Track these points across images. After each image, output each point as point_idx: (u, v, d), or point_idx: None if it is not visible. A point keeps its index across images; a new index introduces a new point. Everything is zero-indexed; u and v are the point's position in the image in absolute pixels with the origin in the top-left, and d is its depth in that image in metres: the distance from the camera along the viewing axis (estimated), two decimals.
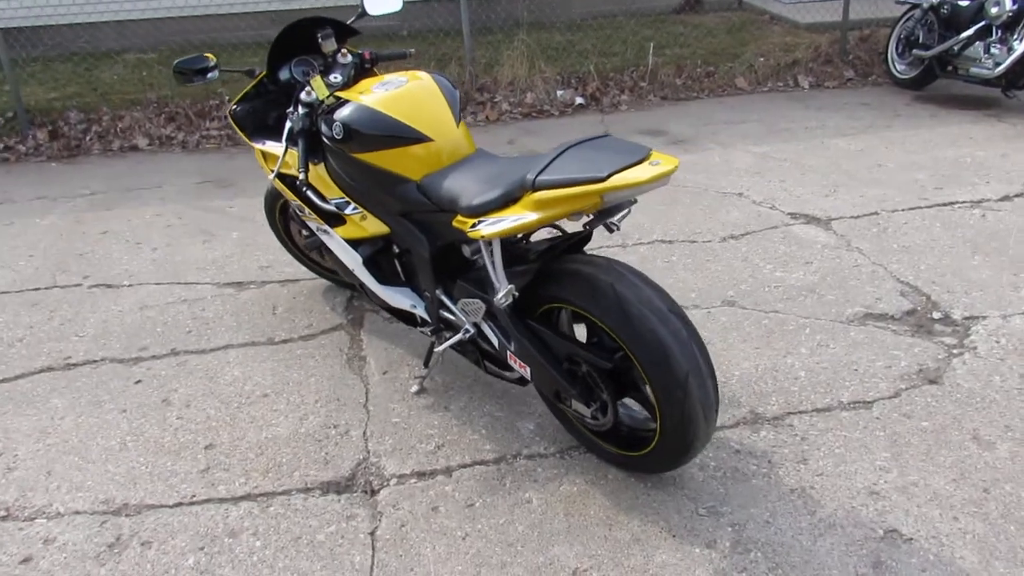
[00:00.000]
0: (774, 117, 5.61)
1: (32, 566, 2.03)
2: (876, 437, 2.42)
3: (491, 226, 2.00)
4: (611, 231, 2.32)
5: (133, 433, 2.54)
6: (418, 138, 2.29)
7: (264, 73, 2.73)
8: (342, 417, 2.59)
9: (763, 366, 2.78)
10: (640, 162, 1.85)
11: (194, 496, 2.26)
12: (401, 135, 2.28)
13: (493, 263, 2.12)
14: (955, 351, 2.83)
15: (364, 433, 2.52)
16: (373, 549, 2.07)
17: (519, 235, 2.22)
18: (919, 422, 2.48)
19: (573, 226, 2.11)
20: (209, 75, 2.59)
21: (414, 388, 2.69)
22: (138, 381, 2.81)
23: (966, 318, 3.03)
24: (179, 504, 2.24)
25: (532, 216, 1.94)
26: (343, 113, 2.35)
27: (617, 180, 1.81)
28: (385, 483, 2.31)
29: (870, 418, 2.50)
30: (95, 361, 2.94)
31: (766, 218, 3.95)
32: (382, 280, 2.61)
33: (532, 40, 6.34)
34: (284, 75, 2.73)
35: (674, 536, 2.08)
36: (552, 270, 2.14)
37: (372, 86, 2.46)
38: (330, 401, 2.67)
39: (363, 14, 2.85)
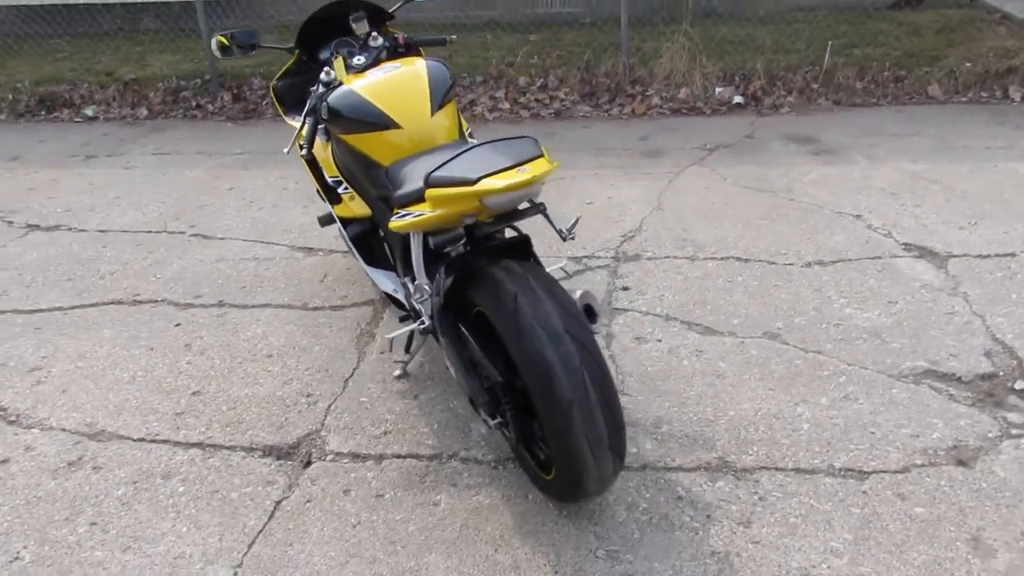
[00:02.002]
0: (955, 132, 4.88)
1: (5, 468, 2.34)
2: (848, 514, 2.08)
3: (398, 219, 1.97)
4: (563, 239, 2.19)
5: (145, 369, 2.82)
6: (387, 124, 2.30)
7: (297, 52, 2.85)
8: (320, 388, 2.69)
9: (765, 411, 2.48)
10: (518, 166, 1.73)
11: (157, 435, 2.48)
12: (374, 120, 2.30)
13: (414, 257, 2.09)
14: (1014, 431, 2.34)
15: (329, 407, 2.60)
16: (270, 517, 2.15)
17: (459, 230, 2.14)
18: (913, 507, 2.10)
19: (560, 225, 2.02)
20: (251, 51, 2.77)
21: (397, 372, 2.72)
22: (177, 324, 3.11)
23: None
24: (141, 439, 2.46)
25: (429, 213, 1.89)
26: (332, 95, 2.41)
27: (484, 184, 1.71)
28: (321, 457, 2.38)
29: (855, 491, 2.16)
30: (156, 301, 3.28)
31: (873, 246, 3.48)
32: (370, 261, 2.66)
33: (701, 33, 6.02)
34: (324, 54, 2.84)
35: (555, 572, 1.95)
36: (483, 272, 2.06)
37: (373, 71, 2.49)
38: (319, 371, 2.78)
39: (407, 0, 2.88)
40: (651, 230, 3.74)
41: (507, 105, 5.80)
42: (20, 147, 5.37)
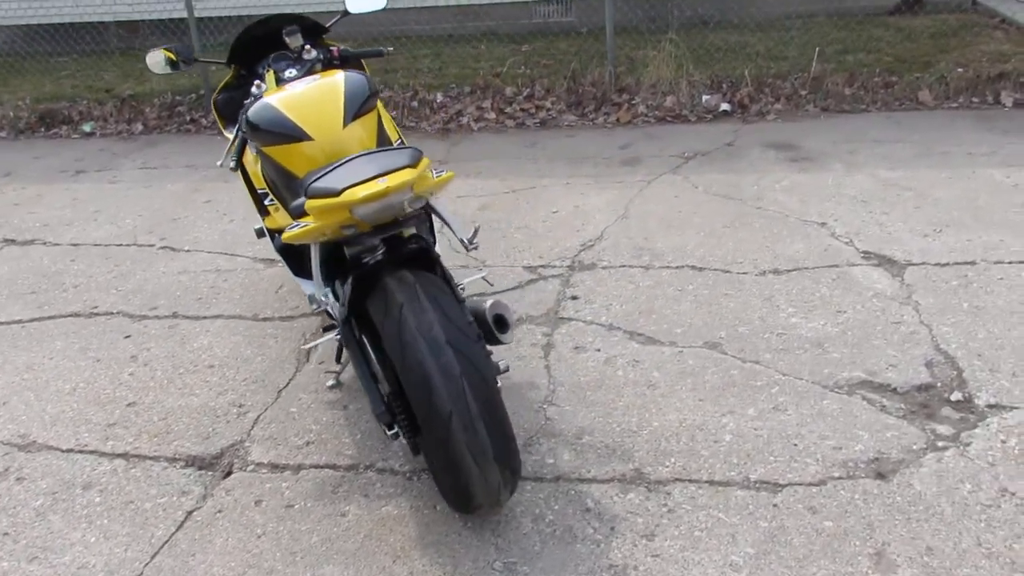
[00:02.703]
0: (939, 138, 4.78)
1: None
2: (755, 527, 2.05)
3: (288, 231, 1.99)
4: (467, 250, 2.20)
5: (87, 381, 2.87)
6: (300, 136, 2.31)
7: (235, 66, 2.89)
8: (254, 398, 2.72)
9: (690, 422, 2.45)
10: (383, 175, 1.73)
11: (85, 446, 2.52)
12: (288, 132, 2.32)
13: (313, 267, 2.11)
14: (940, 443, 2.29)
15: (259, 417, 2.62)
16: (179, 527, 2.17)
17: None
18: (822, 520, 2.05)
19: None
20: (189, 66, 2.82)
21: (329, 382, 2.73)
22: (128, 336, 3.16)
23: (990, 406, 2.43)
24: (70, 450, 2.50)
25: (311, 225, 1.90)
26: (251, 108, 2.44)
27: (345, 195, 1.72)
28: (242, 468, 2.40)
29: (766, 503, 2.12)
30: (112, 314, 3.34)
31: (832, 254, 3.42)
32: (298, 272, 2.68)
33: (690, 41, 5.99)
34: (262, 68, 2.87)
35: (452, 566, 1.94)
36: (378, 283, 2.06)
37: (292, 84, 2.52)
38: (256, 381, 2.81)
39: (345, 13, 2.92)
40: (612, 239, 3.72)
41: (493, 115, 5.82)
42: (15, 163, 5.51)
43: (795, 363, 2.70)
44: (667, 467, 2.28)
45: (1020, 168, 4.19)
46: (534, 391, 2.65)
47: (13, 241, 4.17)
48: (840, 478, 2.19)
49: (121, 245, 4.03)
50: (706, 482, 2.21)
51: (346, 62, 2.89)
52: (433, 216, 2.42)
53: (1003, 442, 2.27)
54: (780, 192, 4.11)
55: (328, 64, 2.84)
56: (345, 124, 2.35)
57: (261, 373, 2.85)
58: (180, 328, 3.20)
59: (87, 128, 6.13)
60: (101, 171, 5.24)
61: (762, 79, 5.81)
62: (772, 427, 2.40)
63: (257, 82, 2.67)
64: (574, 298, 3.23)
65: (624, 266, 3.46)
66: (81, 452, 2.49)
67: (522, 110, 5.84)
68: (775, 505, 2.11)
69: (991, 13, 6.78)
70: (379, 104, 2.89)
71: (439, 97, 6.02)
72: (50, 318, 3.34)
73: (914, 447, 2.28)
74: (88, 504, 2.27)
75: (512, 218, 4.04)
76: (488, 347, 2.11)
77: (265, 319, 3.23)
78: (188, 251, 3.92)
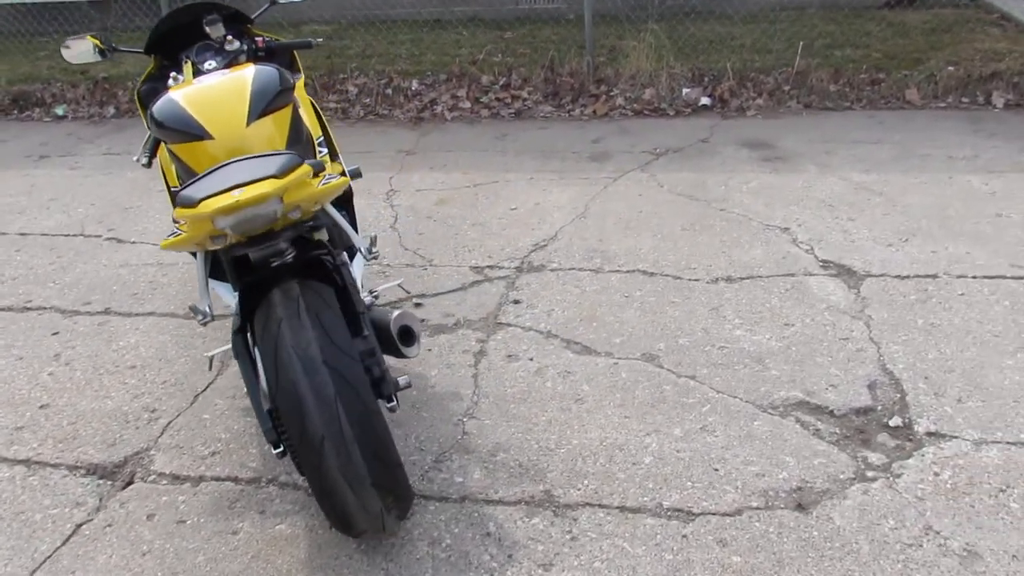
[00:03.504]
0: (921, 140, 4.62)
1: None
2: (658, 560, 1.94)
3: (165, 238, 1.88)
4: (365, 259, 2.09)
5: (5, 380, 2.79)
6: (201, 135, 2.20)
7: (156, 58, 2.78)
8: (168, 403, 2.63)
9: (611, 441, 2.35)
10: (245, 185, 1.62)
11: None
12: (189, 130, 2.21)
13: (197, 275, 2.01)
14: (870, 474, 2.17)
15: (169, 423, 2.53)
16: (65, 541, 2.09)
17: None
18: (730, 555, 1.95)
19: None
20: (110, 55, 2.71)
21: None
22: (56, 333, 3.08)
23: (929, 434, 2.31)
24: None
25: (183, 233, 1.79)
26: (156, 104, 2.33)
27: (201, 206, 1.61)
28: (143, 478, 2.31)
29: (675, 534, 2.02)
30: (44, 308, 3.26)
31: (790, 262, 3.29)
32: (214, 274, 2.58)
33: (675, 31, 5.83)
34: (182, 59, 2.76)
35: None
36: (267, 294, 1.95)
37: (201, 78, 2.40)
38: (174, 384, 2.72)
39: (273, 2, 2.80)
40: (565, 239, 3.60)
41: (468, 104, 5.69)
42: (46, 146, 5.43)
43: (732, 380, 2.59)
44: (579, 490, 2.17)
45: (1000, 174, 4.04)
46: (456, 402, 2.55)
47: None
48: (757, 508, 2.08)
49: (68, 235, 3.95)
50: (616, 508, 2.11)
51: (272, 53, 2.78)
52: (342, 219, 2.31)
53: (936, 475, 2.15)
54: (747, 194, 3.98)
55: (252, 55, 2.72)
56: (249, 122, 2.22)
57: (181, 376, 2.76)
58: (110, 325, 3.12)
59: (59, 111, 6.04)
60: (64, 156, 5.15)
61: (745, 73, 5.65)
62: (696, 449, 2.29)
63: (174, 74, 2.56)
64: (516, 302, 3.12)
65: (573, 269, 3.35)
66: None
67: (498, 99, 5.71)
68: (684, 536, 2.01)
69: (989, 8, 6.57)
70: (306, 98, 2.78)
71: (414, 84, 5.89)
72: None
73: (841, 476, 2.17)
74: None
75: (468, 214, 3.93)
76: (385, 363, 2.01)
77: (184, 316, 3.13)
78: (133, 243, 3.83)
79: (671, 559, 1.94)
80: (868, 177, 4.10)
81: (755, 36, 6.24)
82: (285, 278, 1.97)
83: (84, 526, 2.14)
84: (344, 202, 2.69)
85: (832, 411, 2.43)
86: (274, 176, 1.65)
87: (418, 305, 3.14)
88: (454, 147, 4.96)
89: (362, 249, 2.10)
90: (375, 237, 2.21)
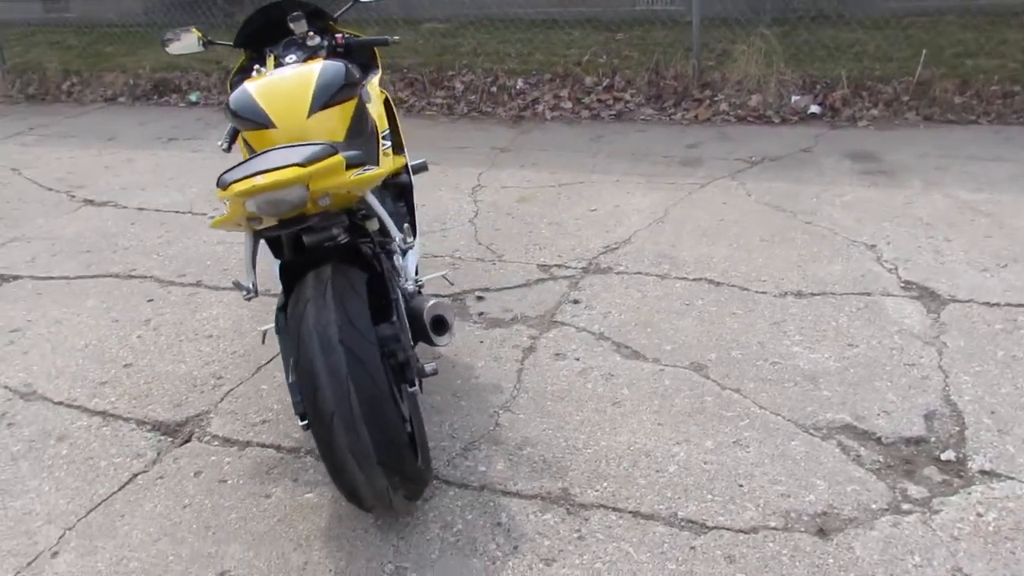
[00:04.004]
0: None
1: None
2: (660, 569, 1.93)
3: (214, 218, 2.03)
4: (402, 252, 2.17)
5: (100, 339, 3.07)
6: (266, 123, 2.35)
7: (245, 51, 2.97)
8: (233, 372, 2.83)
9: (639, 446, 2.34)
10: (274, 171, 1.73)
11: (74, 400, 2.71)
12: (257, 119, 2.37)
13: (244, 255, 2.15)
14: (905, 506, 2.07)
15: (231, 391, 2.72)
16: (121, 488, 2.30)
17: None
18: (735, 572, 1.91)
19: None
20: (206, 47, 2.93)
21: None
22: (150, 300, 3.36)
23: (983, 472, 2.17)
24: (60, 403, 2.70)
25: (226, 213, 1.94)
26: (233, 94, 2.50)
27: (230, 188, 1.73)
28: (198, 438, 2.50)
29: (684, 545, 2.00)
30: (145, 277, 3.56)
31: (869, 281, 3.15)
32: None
33: (791, 36, 5.64)
34: (267, 53, 2.95)
35: (345, 563, 1.95)
36: (304, 275, 2.07)
37: (274, 71, 2.57)
38: (241, 355, 2.92)
39: (355, 1, 2.94)
40: (638, 243, 3.58)
41: (569, 105, 5.72)
42: (120, 128, 5.95)
43: (778, 397, 2.51)
44: (596, 491, 2.18)
45: None
46: (496, 395, 2.61)
47: (91, 202, 4.52)
48: (775, 528, 2.02)
49: (178, 212, 4.28)
50: (630, 512, 2.10)
51: (351, 50, 2.92)
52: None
53: (979, 515, 2.02)
54: (839, 207, 3.82)
55: (331, 51, 2.88)
56: (310, 113, 2.36)
57: (250, 348, 2.95)
58: (198, 297, 3.37)
59: (193, 98, 6.52)
60: (190, 140, 5.56)
61: (861, 82, 5.40)
62: (724, 463, 2.25)
63: (257, 67, 2.74)
64: (575, 302, 3.14)
65: (639, 273, 3.33)
66: (68, 406, 2.67)
67: (599, 101, 5.71)
68: (693, 548, 1.98)
69: None
70: (380, 93, 2.91)
71: (519, 83, 5.97)
72: (93, 276, 3.60)
73: (872, 506, 2.07)
74: (55, 455, 2.44)
75: (547, 213, 3.97)
76: (411, 348, 2.10)
77: (276, 295, 3.33)
78: None
79: (674, 569, 1.92)
80: (977, 196, 3.84)
81: (878, 43, 5.93)
82: (324, 261, 2.09)
83: (139, 476, 2.34)
84: (402, 194, 2.80)
85: (879, 438, 2.31)
86: (298, 164, 1.75)
87: (480, 298, 3.22)
88: (548, 146, 5.00)
89: (397, 239, 2.18)
90: (408, 228, 2.27)
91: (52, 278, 3.60)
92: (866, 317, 2.90)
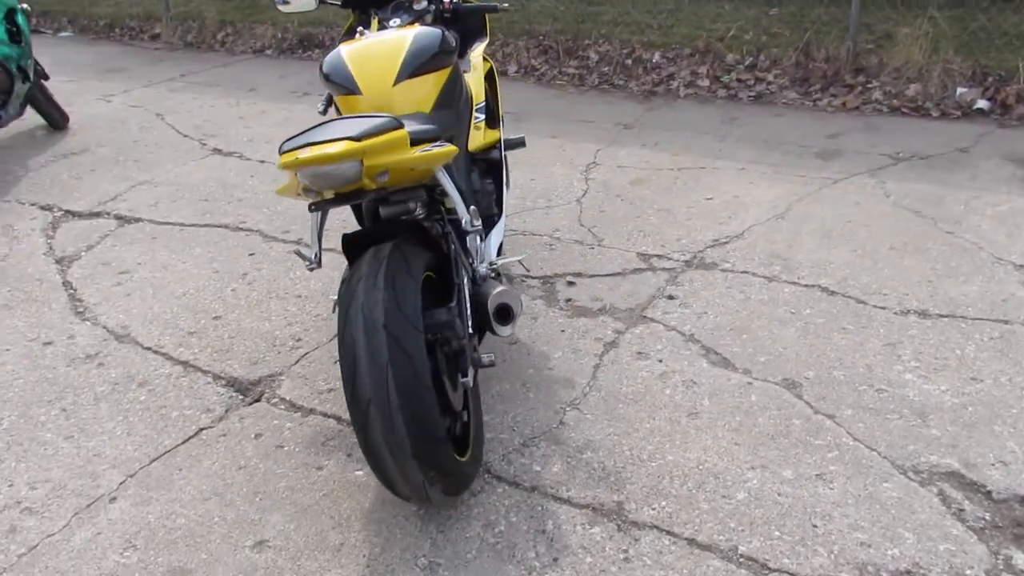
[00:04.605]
0: None
1: (44, 348, 2.81)
2: None
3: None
4: (467, 231, 2.07)
5: (197, 288, 3.17)
6: (352, 89, 2.30)
7: (354, 12, 2.93)
8: (313, 335, 2.84)
9: (709, 465, 2.15)
10: (327, 143, 1.66)
11: (161, 347, 2.80)
12: (344, 84, 2.32)
13: (311, 226, 2.11)
14: None
15: (307, 354, 2.73)
16: (185, 441, 2.35)
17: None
18: None
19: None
20: (316, 7, 2.92)
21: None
22: (252, 254, 3.44)
23: None
24: (148, 348, 2.80)
25: (286, 181, 1.89)
26: (327, 57, 2.46)
27: (285, 158, 1.67)
28: (267, 399, 2.53)
29: None
30: (251, 231, 3.65)
31: (1010, 307, 2.77)
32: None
33: (965, 20, 5.05)
34: (373, 15, 2.89)
35: (367, 566, 1.91)
36: (368, 252, 2.01)
37: (370, 34, 2.50)
38: (324, 319, 2.93)
39: None
40: (750, 239, 3.32)
41: (706, 83, 5.40)
42: (262, 80, 6.15)
43: (877, 429, 2.24)
44: (653, 509, 2.02)
45: None
46: (566, 390, 2.48)
47: (219, 151, 4.68)
48: None
49: None
50: (685, 539, 1.93)
51: (457, 15, 2.81)
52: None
53: None
54: (989, 218, 3.38)
55: (438, 16, 2.79)
56: (396, 82, 2.28)
57: (332, 313, 2.95)
58: (294, 256, 3.40)
59: None
60: (322, 95, 5.65)
61: None
62: (801, 497, 2.03)
63: (360, 28, 2.68)
64: (670, 298, 2.94)
65: (746, 272, 3.08)
66: (155, 352, 2.77)
67: (739, 80, 5.35)
68: None
69: None
70: (482, 63, 2.79)
71: (656, 57, 5.70)
72: (204, 225, 3.72)
73: (967, 571, 1.80)
74: (133, 400, 2.53)
75: (658, 198, 3.75)
76: (467, 336, 2.00)
77: None
78: None
79: None
80: None
81: None
82: (391, 236, 2.02)
83: (204, 431, 2.39)
84: (491, 170, 2.68)
85: (989, 492, 2.02)
86: (350, 138, 1.67)
87: (571, 284, 3.08)
88: (675, 126, 4.74)
89: (463, 221, 2.08)
90: (476, 211, 2.14)
91: (168, 223, 3.76)
92: (999, 349, 2.55)
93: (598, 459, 2.20)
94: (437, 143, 1.96)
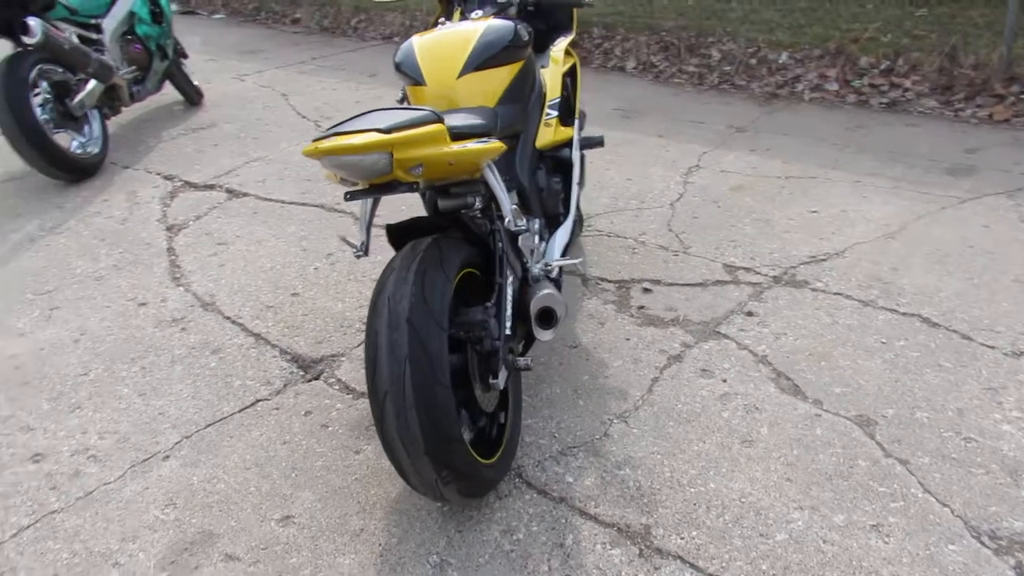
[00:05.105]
0: None
1: (139, 309, 2.99)
2: None
3: None
4: (510, 230, 2.02)
5: (283, 265, 3.28)
6: (418, 80, 2.30)
7: (440, 2, 2.92)
8: None
9: (752, 499, 2.02)
10: (357, 133, 1.65)
11: (240, 318, 2.92)
12: (411, 74, 2.32)
13: (359, 215, 2.12)
14: None
15: None
16: (242, 410, 2.44)
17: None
18: None
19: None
20: None
21: None
22: (341, 236, 3.52)
23: None
24: (228, 318, 2.92)
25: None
26: (400, 46, 2.47)
27: (309, 146, 1.67)
28: (325, 379, 2.58)
29: None
30: (345, 212, 3.74)
31: None
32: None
33: None
34: (456, 5, 2.88)
35: (380, 556, 1.92)
36: (408, 244, 2.00)
37: (446, 25, 2.49)
38: None
39: None
40: (851, 258, 3.09)
41: (835, 86, 5.08)
42: (384, 66, 6.29)
43: (956, 483, 2.02)
44: (681, 539, 1.91)
45: None
46: (618, 401, 2.39)
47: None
48: None
49: None
50: (709, 575, 1.81)
51: (541, 8, 2.76)
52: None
53: None
54: None
55: (522, 9, 2.74)
56: (461, 74, 2.26)
57: None
58: (380, 239, 3.45)
59: None
60: None
61: None
62: (849, 548, 1.86)
63: (442, 19, 2.68)
64: (749, 314, 2.78)
65: (839, 294, 2.86)
66: (234, 323, 2.89)
67: (872, 85, 4.99)
68: None
69: None
70: (562, 58, 2.72)
71: (783, 57, 5.40)
72: (302, 204, 3.85)
73: None
74: (205, 366, 2.65)
75: (758, 207, 3.56)
76: (503, 336, 1.96)
77: None
78: None
79: None
80: None
81: None
82: (436, 229, 2.01)
83: (260, 403, 2.46)
84: (560, 168, 2.61)
85: None
86: (378, 130, 1.66)
87: (647, 290, 2.96)
88: (792, 131, 4.48)
89: (506, 220, 2.02)
90: (515, 209, 2.08)
91: (271, 200, 3.91)
92: None
93: (635, 477, 2.10)
94: (483, 139, 1.92)
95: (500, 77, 2.31)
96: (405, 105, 2.26)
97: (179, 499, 2.10)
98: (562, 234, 2.53)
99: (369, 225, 2.09)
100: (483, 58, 2.27)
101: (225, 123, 5.06)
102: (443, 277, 1.82)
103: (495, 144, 1.88)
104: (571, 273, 3.09)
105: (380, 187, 1.80)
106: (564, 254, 2.51)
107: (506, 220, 1.98)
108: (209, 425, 2.37)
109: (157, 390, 2.54)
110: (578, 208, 3.25)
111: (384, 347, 1.72)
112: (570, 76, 2.84)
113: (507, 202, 1.98)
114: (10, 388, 2.55)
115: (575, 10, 2.90)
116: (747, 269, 3.06)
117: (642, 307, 2.86)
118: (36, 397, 2.50)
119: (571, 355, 2.61)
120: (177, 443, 2.31)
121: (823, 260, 3.09)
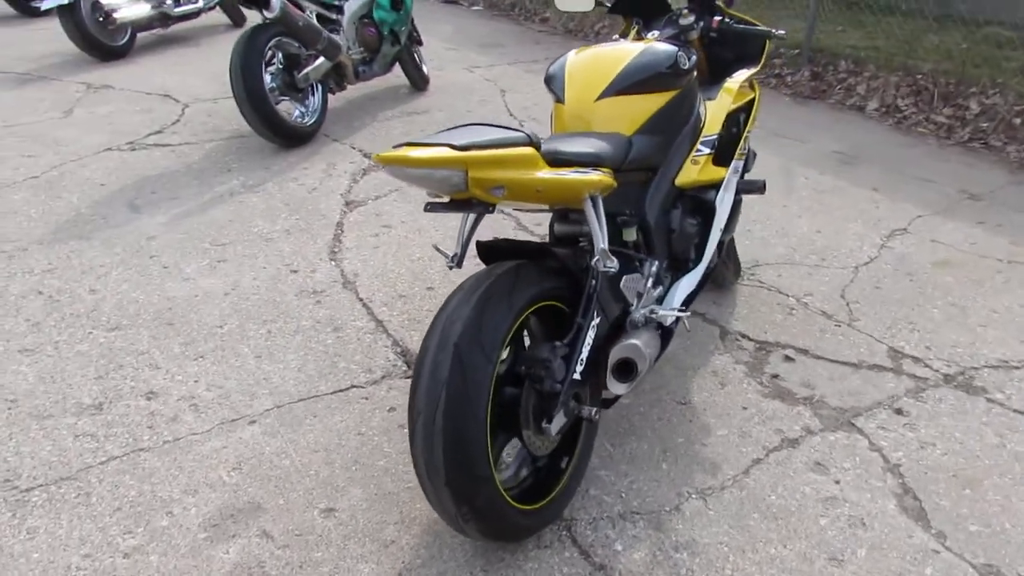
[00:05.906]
0: None
1: (292, 276, 3.19)
2: None
3: None
4: (598, 270, 1.90)
5: (430, 258, 3.34)
6: (559, 97, 2.22)
7: (626, 19, 2.78)
8: None
9: (792, 557, 1.74)
10: (433, 146, 1.59)
11: (370, 301, 3.00)
12: (555, 91, 2.24)
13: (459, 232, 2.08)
14: None
15: None
16: (334, 392, 2.51)
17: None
18: None
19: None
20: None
21: None
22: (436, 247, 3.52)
23: None
24: (360, 299, 3.01)
25: None
26: (555, 61, 2.38)
27: (382, 154, 1.64)
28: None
29: None
30: (509, 215, 3.73)
31: None
32: None
33: None
34: (636, 24, 2.74)
35: (420, 563, 1.88)
36: (490, 266, 1.94)
37: (606, 44, 2.37)
38: None
39: None
40: None
41: None
42: None
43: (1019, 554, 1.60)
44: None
45: None
46: (706, 475, 2.16)
47: None
48: None
49: None
50: None
51: (726, 37, 2.55)
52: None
53: None
54: None
55: (704, 35, 2.55)
56: (600, 97, 2.14)
57: None
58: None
59: None
60: None
61: None
62: None
63: (616, 37, 2.56)
64: (899, 412, 2.41)
65: (1021, 412, 2.39)
66: (364, 305, 2.98)
67: None
68: None
69: None
70: (739, 92, 2.51)
71: None
72: (377, 199, 3.88)
73: None
74: (321, 341, 2.75)
75: (958, 291, 3.08)
76: (568, 383, 1.83)
77: None
78: None
79: None
80: None
81: None
82: (520, 255, 1.93)
83: (354, 389, 2.52)
84: (700, 210, 2.40)
85: None
86: (452, 146, 1.59)
87: (789, 359, 2.67)
88: None
89: (595, 257, 1.86)
90: (606, 251, 1.89)
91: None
92: None
93: (689, 565, 1.88)
94: (588, 170, 1.79)
95: (645, 104, 2.16)
96: (503, 125, 2.17)
97: (246, 465, 2.19)
98: (687, 282, 2.33)
99: (468, 238, 2.04)
100: (629, 82, 2.14)
101: (438, 111, 5.26)
102: (506, 307, 1.73)
103: (595, 177, 1.76)
104: (711, 323, 2.85)
105: (460, 203, 1.74)
106: (687, 304, 2.31)
107: (596, 258, 1.84)
108: (301, 400, 2.46)
109: (272, 355, 2.68)
110: (735, 256, 3.00)
111: (427, 366, 1.67)
112: (745, 112, 2.61)
113: (600, 239, 1.84)
114: (158, 327, 2.81)
115: (768, 41, 2.65)
116: (916, 359, 2.65)
117: (776, 376, 2.57)
118: (173, 339, 2.74)
119: (675, 411, 2.41)
120: (267, 410, 2.41)
121: (1016, 368, 2.60)
